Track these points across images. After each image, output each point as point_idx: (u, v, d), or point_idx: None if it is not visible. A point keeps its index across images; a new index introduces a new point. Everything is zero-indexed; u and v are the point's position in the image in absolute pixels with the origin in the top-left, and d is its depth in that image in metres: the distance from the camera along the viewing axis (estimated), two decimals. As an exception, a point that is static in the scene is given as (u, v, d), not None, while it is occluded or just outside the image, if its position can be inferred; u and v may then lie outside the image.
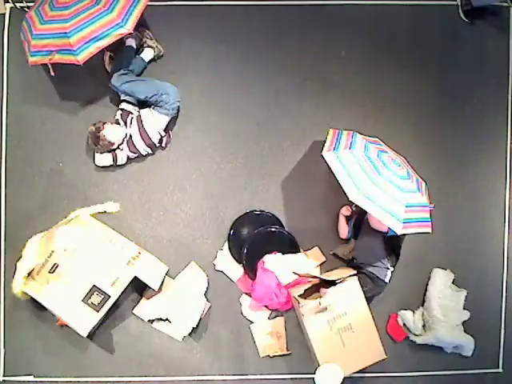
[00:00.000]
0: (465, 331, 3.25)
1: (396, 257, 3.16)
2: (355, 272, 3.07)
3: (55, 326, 3.20)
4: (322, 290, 3.00)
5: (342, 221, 3.23)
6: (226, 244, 3.28)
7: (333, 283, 3.00)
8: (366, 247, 3.10)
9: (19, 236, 3.22)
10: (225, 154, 3.34)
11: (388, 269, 3.11)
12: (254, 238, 3.22)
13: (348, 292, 3.00)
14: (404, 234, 3.07)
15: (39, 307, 3.21)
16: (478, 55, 3.43)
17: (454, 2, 3.42)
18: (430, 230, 2.90)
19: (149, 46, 3.24)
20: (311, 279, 3.10)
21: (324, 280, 3.03)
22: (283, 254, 3.22)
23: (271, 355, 3.24)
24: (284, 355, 3.25)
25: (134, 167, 3.28)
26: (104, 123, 3.11)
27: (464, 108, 3.41)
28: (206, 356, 3.26)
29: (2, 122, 3.29)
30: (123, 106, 3.20)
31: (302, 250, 3.29)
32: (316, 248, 3.31)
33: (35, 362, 3.23)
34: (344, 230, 3.23)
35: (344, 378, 2.88)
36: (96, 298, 2.92)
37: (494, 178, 3.42)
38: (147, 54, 3.24)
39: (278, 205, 3.32)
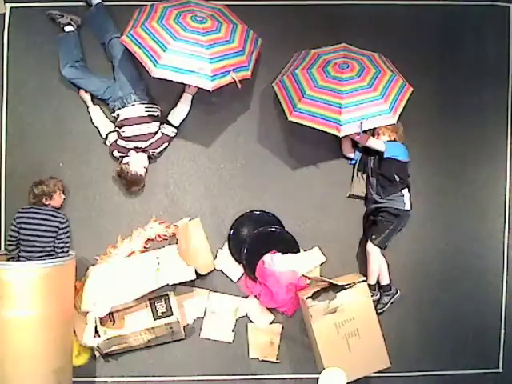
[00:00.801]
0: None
1: (406, 184, 3.16)
2: (364, 278, 3.06)
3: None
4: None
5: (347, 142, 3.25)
6: (226, 244, 3.28)
7: (342, 288, 2.99)
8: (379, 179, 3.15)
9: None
10: (225, 154, 3.34)
11: (403, 196, 3.11)
12: (254, 238, 3.22)
13: (358, 297, 3.00)
14: (407, 162, 3.15)
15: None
16: (478, 55, 3.43)
17: (454, 2, 3.42)
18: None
19: (67, 24, 3.23)
20: (320, 283, 3.09)
21: (333, 284, 3.02)
22: (283, 253, 3.22)
23: (260, 359, 3.24)
24: (272, 362, 3.25)
25: (134, 167, 3.28)
26: (124, 163, 3.14)
27: (464, 108, 3.41)
28: (205, 356, 3.26)
29: (2, 122, 3.29)
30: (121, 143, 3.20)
31: (302, 250, 3.28)
32: (316, 248, 3.31)
33: (35, 361, 3.23)
34: (349, 148, 3.25)
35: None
36: (160, 308, 3.06)
37: (494, 178, 3.42)
38: (70, 29, 3.25)
39: (277, 205, 3.32)
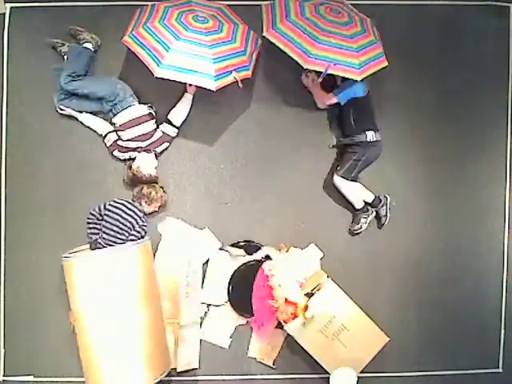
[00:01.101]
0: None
1: (369, 121, 3.18)
2: (326, 275, 3.08)
3: (55, 326, 3.21)
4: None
5: (317, 91, 3.23)
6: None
7: (311, 295, 3.01)
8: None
9: (19, 236, 3.23)
10: (225, 154, 3.34)
11: (365, 134, 3.13)
12: (236, 275, 3.21)
13: (328, 295, 3.02)
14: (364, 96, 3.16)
15: (39, 307, 3.22)
16: (478, 55, 3.43)
17: (454, 2, 3.42)
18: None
19: (86, 41, 3.21)
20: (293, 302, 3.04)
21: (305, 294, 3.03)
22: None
23: (257, 359, 3.24)
24: (267, 366, 3.25)
25: (134, 167, 3.28)
26: (135, 167, 3.14)
27: (464, 108, 3.41)
28: (205, 356, 3.26)
29: (2, 122, 3.29)
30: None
31: (299, 249, 3.28)
32: (312, 245, 3.30)
33: (35, 361, 3.23)
34: (323, 97, 3.21)
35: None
36: None
37: (494, 178, 3.42)
38: (89, 46, 3.22)
39: (277, 204, 3.32)
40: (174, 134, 3.24)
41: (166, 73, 2.81)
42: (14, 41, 3.29)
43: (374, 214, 3.27)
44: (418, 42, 3.41)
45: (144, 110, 3.17)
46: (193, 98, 3.22)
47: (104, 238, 2.82)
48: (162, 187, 3.16)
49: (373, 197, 3.25)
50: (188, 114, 3.23)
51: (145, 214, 3.01)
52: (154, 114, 3.21)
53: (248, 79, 3.03)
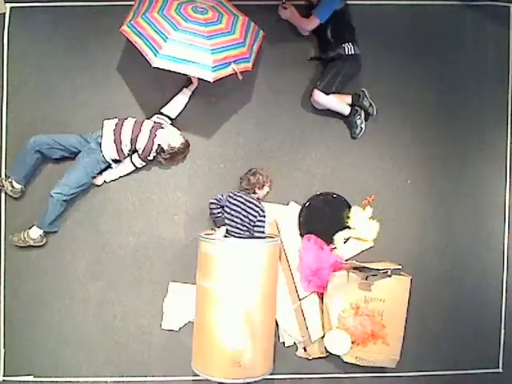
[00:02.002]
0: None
1: (348, 30, 3.22)
2: (400, 267, 3.11)
3: (55, 326, 3.22)
4: None
5: (297, 19, 3.24)
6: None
7: (384, 271, 3.07)
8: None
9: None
10: (225, 154, 3.34)
11: (342, 44, 3.16)
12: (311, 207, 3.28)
13: (396, 286, 3.09)
14: (345, 15, 3.19)
15: (39, 307, 3.22)
16: (478, 55, 3.43)
17: (454, 2, 3.42)
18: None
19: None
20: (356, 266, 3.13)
21: (368, 268, 3.07)
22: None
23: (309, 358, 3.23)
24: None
25: (134, 167, 3.28)
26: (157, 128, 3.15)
27: (464, 108, 3.41)
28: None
29: (2, 122, 3.29)
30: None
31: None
32: (292, 202, 3.31)
33: (35, 361, 3.23)
34: (306, 23, 3.21)
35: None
36: None
37: (494, 178, 3.42)
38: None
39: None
40: (168, 123, 3.24)
41: (163, 63, 2.80)
42: (14, 41, 3.29)
43: (362, 110, 3.27)
44: (418, 41, 3.40)
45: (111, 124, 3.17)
46: (190, 96, 3.23)
47: (228, 230, 3.08)
48: (259, 169, 3.19)
49: (350, 97, 3.28)
50: (186, 113, 3.23)
51: (259, 199, 3.18)
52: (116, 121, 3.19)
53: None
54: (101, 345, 3.24)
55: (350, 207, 3.26)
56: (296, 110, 3.35)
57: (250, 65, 3.00)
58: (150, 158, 3.19)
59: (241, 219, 3.05)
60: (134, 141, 3.13)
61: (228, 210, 3.09)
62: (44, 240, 3.18)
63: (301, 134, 3.35)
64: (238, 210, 3.07)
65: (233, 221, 3.08)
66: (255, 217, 3.05)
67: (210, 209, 3.16)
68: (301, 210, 3.28)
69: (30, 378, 3.23)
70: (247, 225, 3.05)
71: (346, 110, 3.26)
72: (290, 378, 3.29)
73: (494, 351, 3.38)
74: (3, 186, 3.17)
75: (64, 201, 3.08)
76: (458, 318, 3.35)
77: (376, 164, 3.36)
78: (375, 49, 3.34)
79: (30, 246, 3.16)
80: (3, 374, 3.25)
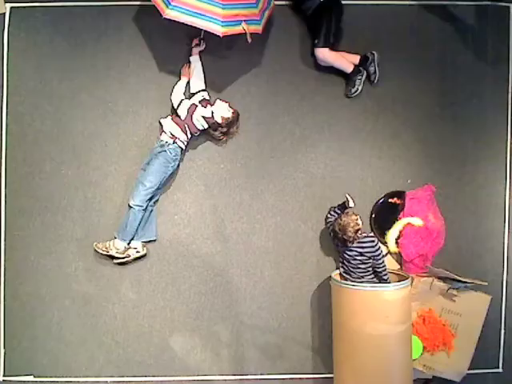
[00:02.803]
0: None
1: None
2: (486, 283, 3.14)
3: (55, 326, 3.22)
4: None
5: None
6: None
7: (466, 283, 3.11)
8: None
9: (19, 236, 3.23)
10: (225, 154, 3.34)
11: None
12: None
13: (476, 303, 3.12)
14: None
15: (39, 307, 3.22)
16: (478, 55, 3.43)
17: (454, 2, 3.42)
18: None
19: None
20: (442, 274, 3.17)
21: (455, 279, 3.11)
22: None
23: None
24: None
25: (134, 167, 3.27)
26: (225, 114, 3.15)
27: (464, 108, 3.41)
28: (206, 356, 3.27)
29: (2, 122, 3.29)
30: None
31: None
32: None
33: (35, 362, 3.23)
34: None
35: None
36: None
37: (494, 178, 3.42)
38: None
39: (277, 204, 3.32)
40: (208, 97, 3.23)
41: (174, 14, 2.79)
42: (14, 41, 3.29)
43: (365, 73, 3.29)
44: (418, 41, 3.40)
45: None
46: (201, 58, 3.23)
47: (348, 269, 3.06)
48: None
49: (359, 57, 3.29)
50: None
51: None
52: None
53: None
54: (101, 345, 3.24)
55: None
56: (296, 110, 3.35)
57: (260, 28, 2.98)
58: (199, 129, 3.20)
59: (358, 262, 3.01)
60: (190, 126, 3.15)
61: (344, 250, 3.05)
62: (127, 253, 3.20)
63: (301, 134, 3.35)
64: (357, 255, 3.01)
65: (350, 262, 3.03)
66: (370, 252, 2.99)
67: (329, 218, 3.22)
68: (373, 206, 3.32)
69: (30, 378, 3.23)
70: (365, 265, 3.01)
71: (349, 69, 3.26)
72: (290, 378, 3.29)
73: (494, 351, 3.38)
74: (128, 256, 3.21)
75: (144, 209, 3.13)
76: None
77: (376, 164, 3.36)
78: (375, 49, 3.33)
79: (111, 256, 3.17)
80: (3, 373, 3.25)
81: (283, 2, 3.35)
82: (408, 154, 3.37)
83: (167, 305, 3.27)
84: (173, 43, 3.28)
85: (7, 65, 3.29)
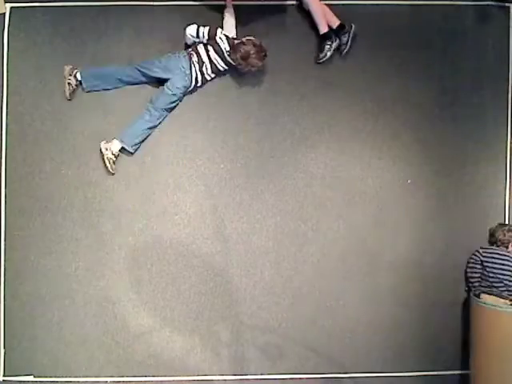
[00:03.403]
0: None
1: None
2: None
3: (55, 326, 3.22)
4: None
5: None
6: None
7: None
8: None
9: (19, 236, 3.23)
10: (225, 154, 3.34)
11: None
12: None
13: None
14: None
15: (39, 307, 3.22)
16: (478, 55, 3.43)
17: (454, 2, 3.42)
18: None
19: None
20: None
21: None
22: None
23: None
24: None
25: (134, 167, 3.28)
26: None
27: (464, 108, 3.41)
28: (205, 356, 3.27)
29: (2, 122, 3.29)
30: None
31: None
32: None
33: (35, 362, 3.23)
34: None
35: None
36: None
37: (494, 179, 3.42)
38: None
39: (277, 204, 3.32)
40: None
41: None
42: (14, 41, 3.29)
43: (338, 42, 3.28)
44: (418, 41, 3.40)
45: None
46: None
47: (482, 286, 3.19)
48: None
49: (338, 23, 3.27)
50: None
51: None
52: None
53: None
54: (101, 345, 3.25)
55: None
56: (296, 110, 3.35)
57: None
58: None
59: (503, 275, 3.14)
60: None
61: (489, 265, 3.19)
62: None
63: (301, 134, 3.35)
64: (500, 264, 3.18)
65: (497, 277, 3.15)
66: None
67: (470, 267, 3.29)
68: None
69: (30, 378, 3.24)
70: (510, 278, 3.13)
71: (323, 29, 3.25)
72: (290, 378, 3.30)
73: (494, 351, 3.38)
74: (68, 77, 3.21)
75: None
76: (457, 318, 3.35)
77: (376, 164, 3.36)
78: (375, 49, 3.33)
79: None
80: (3, 373, 3.25)
81: (283, 2, 3.35)
82: (408, 154, 3.37)
83: (167, 305, 3.28)
84: (173, 43, 3.28)
85: (7, 65, 3.29)
